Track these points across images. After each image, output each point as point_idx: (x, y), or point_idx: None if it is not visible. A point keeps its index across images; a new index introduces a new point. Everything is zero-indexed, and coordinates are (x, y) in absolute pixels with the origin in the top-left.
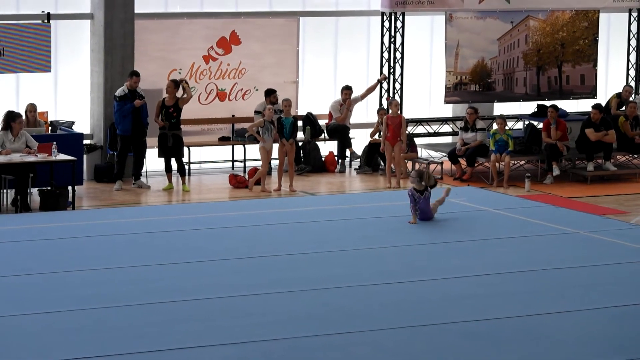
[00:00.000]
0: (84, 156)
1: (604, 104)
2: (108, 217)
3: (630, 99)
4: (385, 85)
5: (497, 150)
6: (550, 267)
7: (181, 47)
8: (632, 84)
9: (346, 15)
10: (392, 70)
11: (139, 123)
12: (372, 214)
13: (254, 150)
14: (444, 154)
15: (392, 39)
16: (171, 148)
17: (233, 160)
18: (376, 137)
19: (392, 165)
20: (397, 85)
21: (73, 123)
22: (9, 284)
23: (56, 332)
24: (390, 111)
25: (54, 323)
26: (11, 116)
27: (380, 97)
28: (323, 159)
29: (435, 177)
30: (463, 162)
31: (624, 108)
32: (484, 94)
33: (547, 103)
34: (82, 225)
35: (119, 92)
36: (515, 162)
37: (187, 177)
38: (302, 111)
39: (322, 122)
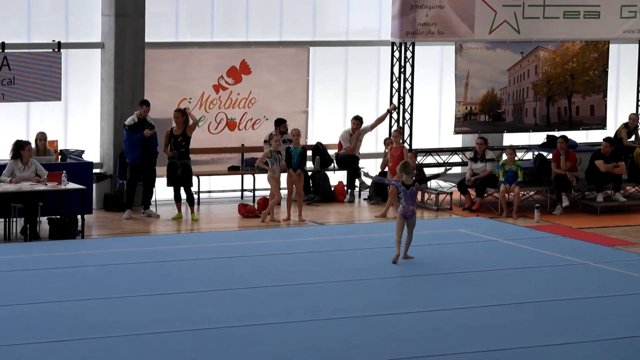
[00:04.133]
0: (94, 185)
1: (613, 135)
2: (117, 246)
3: None
4: (395, 115)
5: (506, 181)
6: (559, 298)
7: (191, 77)
8: None
9: (356, 45)
10: (401, 100)
11: (148, 152)
12: (381, 244)
13: (263, 180)
14: (454, 184)
15: (402, 69)
16: (180, 177)
17: (242, 190)
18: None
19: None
20: (407, 115)
21: (83, 152)
22: (18, 313)
23: None
24: (393, 142)
25: (63, 352)
26: (20, 144)
27: (390, 127)
28: (332, 188)
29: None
30: (472, 192)
31: (633, 137)
32: (494, 125)
33: (557, 134)
34: (91, 254)
35: (128, 121)
36: (525, 193)
37: (196, 207)
38: (311, 141)
39: (332, 152)
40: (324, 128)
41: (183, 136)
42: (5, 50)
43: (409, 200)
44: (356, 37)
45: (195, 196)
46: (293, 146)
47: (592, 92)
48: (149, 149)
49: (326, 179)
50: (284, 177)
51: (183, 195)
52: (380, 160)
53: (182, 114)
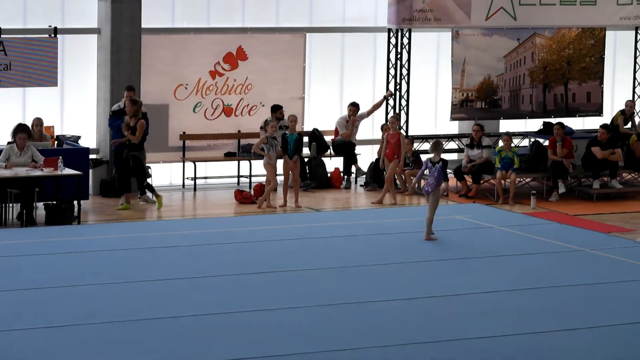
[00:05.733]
0: (90, 171)
1: (609, 122)
2: (113, 232)
3: (637, 117)
4: (391, 101)
5: (502, 168)
6: (555, 284)
7: (188, 63)
8: (639, 101)
9: (353, 31)
10: (398, 87)
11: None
12: (378, 230)
13: (259, 166)
14: (450, 171)
15: (399, 56)
16: (131, 169)
17: (239, 176)
18: None
19: (398, 182)
20: (403, 102)
21: (79, 137)
22: (14, 298)
23: (61, 347)
24: (390, 128)
25: (59, 337)
26: (22, 128)
27: (387, 113)
28: (329, 175)
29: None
30: (469, 179)
31: (630, 124)
32: (490, 111)
33: (553, 120)
34: (87, 240)
35: (115, 106)
36: (521, 180)
37: (151, 194)
38: (308, 127)
39: (328, 138)
40: (320, 114)
41: (132, 128)
42: (2, 36)
43: (431, 175)
44: (353, 23)
45: (192, 182)
46: (289, 132)
47: (589, 79)
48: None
49: (322, 165)
50: (280, 163)
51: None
52: (377, 147)
53: (132, 104)
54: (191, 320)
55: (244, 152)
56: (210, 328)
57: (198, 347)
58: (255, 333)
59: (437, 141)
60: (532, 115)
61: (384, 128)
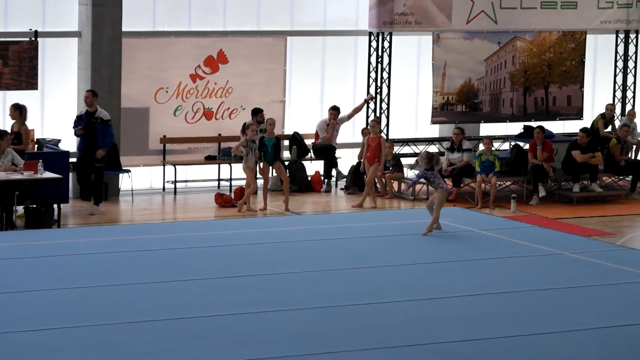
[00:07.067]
0: (70, 174)
1: (589, 126)
2: (93, 236)
3: (617, 121)
4: (372, 105)
5: (483, 171)
6: (535, 288)
7: (168, 66)
8: (619, 105)
9: (334, 35)
10: (379, 90)
11: (93, 145)
12: (358, 233)
13: (240, 170)
14: None
15: (380, 59)
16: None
17: (219, 179)
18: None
19: (378, 186)
20: (384, 105)
21: (59, 141)
22: None
23: (39, 350)
24: (370, 132)
25: (38, 341)
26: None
27: (367, 117)
28: (309, 178)
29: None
30: (449, 182)
31: (610, 128)
32: (471, 115)
33: (534, 124)
34: (67, 243)
35: (80, 110)
36: (501, 183)
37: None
38: (288, 130)
39: (309, 142)
40: (301, 118)
41: (17, 134)
42: None
43: (436, 177)
44: (334, 26)
45: (172, 185)
46: (267, 136)
47: (569, 83)
48: (94, 143)
49: (303, 168)
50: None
51: None
52: (357, 150)
53: (14, 109)
54: (170, 324)
55: (225, 156)
56: (191, 331)
57: (177, 350)
58: (234, 336)
59: (432, 155)
60: (513, 118)
61: (364, 132)
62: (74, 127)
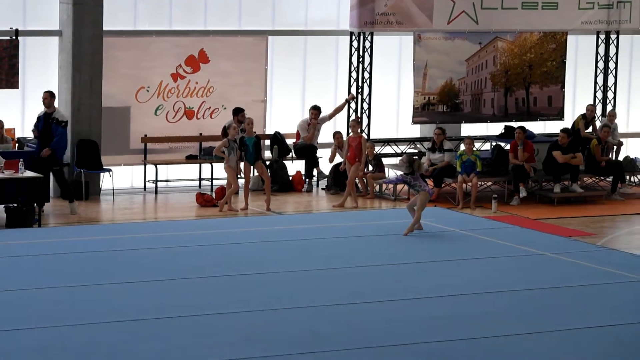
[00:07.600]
0: (51, 173)
1: (570, 126)
2: (74, 235)
3: (598, 121)
4: (353, 105)
5: (464, 171)
6: (516, 288)
7: (150, 65)
8: (599, 106)
9: (315, 34)
10: (360, 90)
11: (46, 147)
12: (340, 233)
13: (221, 169)
14: None
15: (361, 59)
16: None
17: (200, 179)
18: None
19: (359, 186)
20: (365, 105)
21: None
22: None
23: (20, 351)
24: (351, 132)
25: (18, 341)
26: None
27: (348, 116)
28: (290, 178)
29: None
30: (430, 182)
31: (590, 129)
32: (452, 115)
33: (515, 124)
34: (48, 243)
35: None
36: (482, 183)
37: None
38: (270, 130)
39: (290, 141)
40: (282, 117)
41: None
42: None
43: (417, 180)
44: (315, 26)
45: (153, 185)
46: (247, 136)
47: (550, 83)
48: (47, 144)
49: (284, 168)
50: (241, 166)
51: None
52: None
53: None
54: (151, 324)
55: (206, 155)
56: (171, 331)
57: (158, 350)
58: (215, 336)
59: (414, 160)
60: (494, 119)
61: (336, 136)
62: (32, 129)
